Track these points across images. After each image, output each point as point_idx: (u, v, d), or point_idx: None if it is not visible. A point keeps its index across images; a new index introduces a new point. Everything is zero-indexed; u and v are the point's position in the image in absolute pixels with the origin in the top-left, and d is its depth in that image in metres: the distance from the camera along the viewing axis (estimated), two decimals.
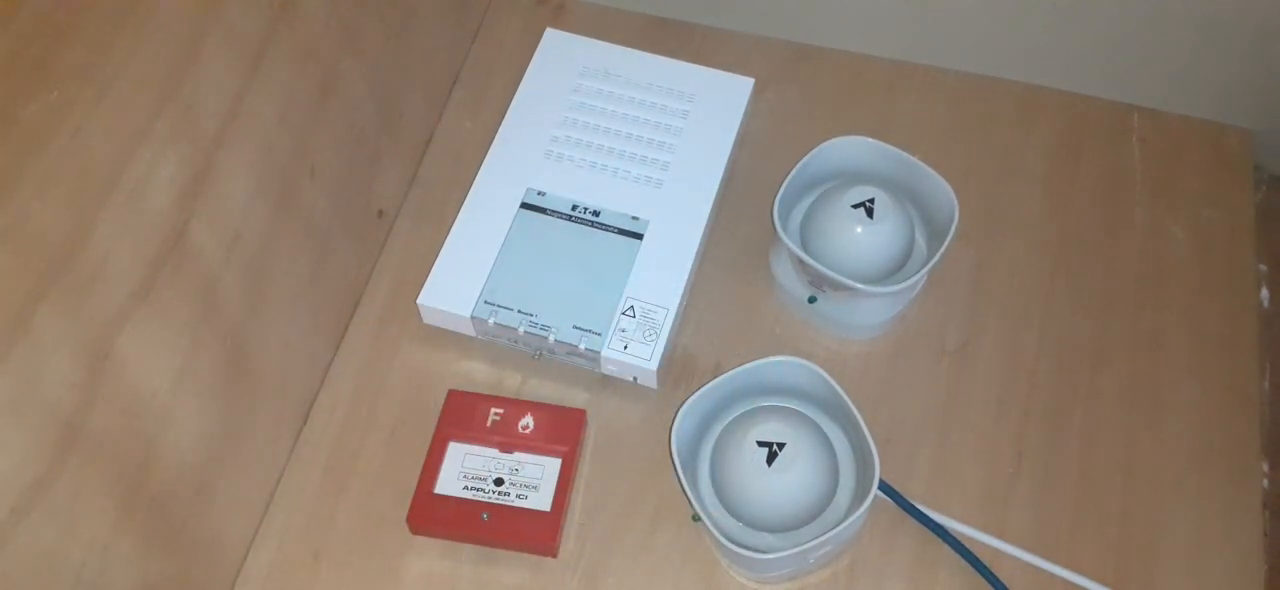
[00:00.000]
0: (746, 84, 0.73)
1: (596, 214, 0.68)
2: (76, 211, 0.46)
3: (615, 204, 0.68)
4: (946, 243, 0.63)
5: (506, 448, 0.62)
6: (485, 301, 0.65)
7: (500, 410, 0.63)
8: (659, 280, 0.65)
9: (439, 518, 0.60)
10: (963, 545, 0.59)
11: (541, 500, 0.61)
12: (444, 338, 0.68)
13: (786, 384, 0.61)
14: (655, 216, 0.68)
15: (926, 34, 0.76)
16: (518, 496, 0.61)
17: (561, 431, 0.62)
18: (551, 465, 0.62)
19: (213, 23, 0.54)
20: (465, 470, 0.62)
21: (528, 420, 0.63)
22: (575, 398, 0.66)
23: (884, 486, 0.60)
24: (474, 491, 0.61)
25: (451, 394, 0.64)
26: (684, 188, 0.69)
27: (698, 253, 0.67)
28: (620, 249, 0.67)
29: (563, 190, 0.69)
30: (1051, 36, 0.73)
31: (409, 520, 0.60)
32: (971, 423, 0.64)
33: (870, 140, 0.66)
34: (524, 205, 0.69)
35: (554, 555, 0.61)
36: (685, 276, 0.66)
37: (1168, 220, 0.70)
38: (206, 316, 0.55)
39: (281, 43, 0.59)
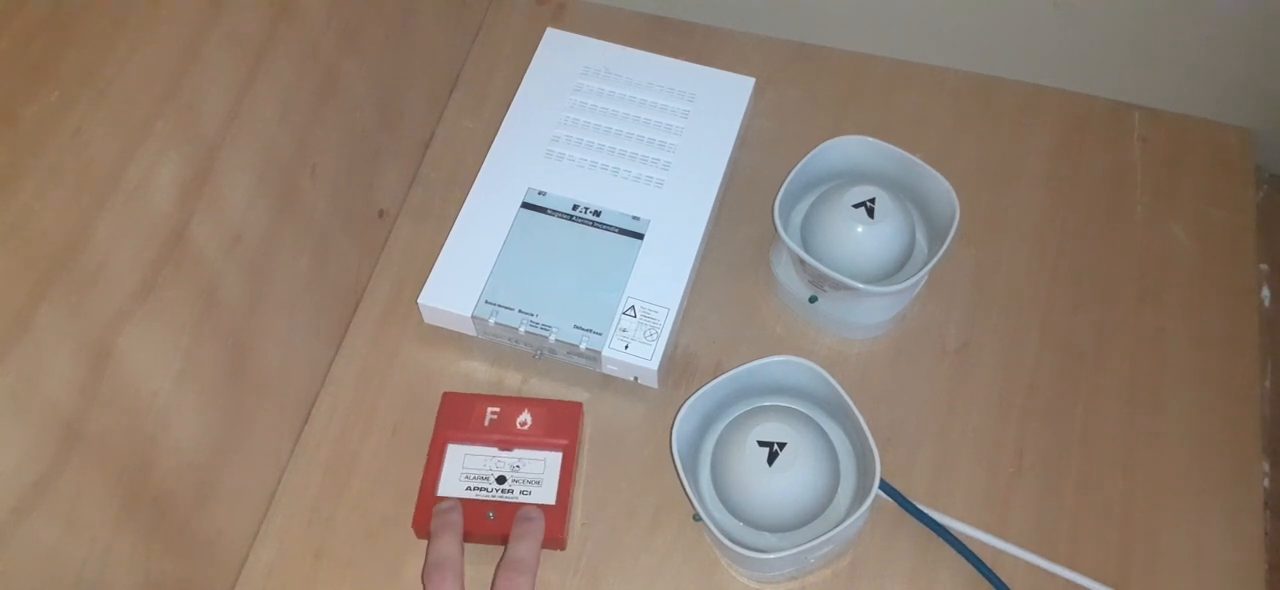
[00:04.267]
0: (747, 83, 0.73)
1: (597, 214, 0.68)
2: (77, 211, 0.46)
3: (616, 204, 0.68)
4: (947, 242, 0.63)
5: (506, 445, 0.62)
6: (486, 301, 0.65)
7: (496, 409, 0.63)
8: (660, 280, 0.65)
9: None
10: (964, 545, 0.59)
11: (546, 494, 0.61)
12: (445, 338, 0.68)
13: (787, 384, 0.61)
14: (656, 216, 0.68)
15: (927, 33, 0.76)
16: (522, 493, 0.61)
17: (560, 425, 0.63)
18: (552, 459, 0.62)
19: (213, 23, 0.54)
20: (466, 471, 0.62)
21: (525, 417, 0.63)
22: (576, 398, 0.65)
23: (885, 486, 0.60)
24: (477, 491, 0.61)
25: (446, 396, 0.64)
26: (685, 187, 0.69)
27: (698, 252, 0.67)
28: (621, 249, 0.67)
29: (563, 190, 0.69)
30: (1053, 36, 0.73)
31: (414, 525, 0.60)
32: (972, 422, 0.64)
33: (871, 140, 0.66)
34: (525, 205, 0.69)
35: (562, 547, 0.61)
36: (686, 276, 0.66)
37: (1169, 220, 0.70)
38: (207, 316, 0.55)
39: (282, 43, 0.58)
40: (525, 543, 0.57)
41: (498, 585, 0.55)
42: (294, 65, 0.60)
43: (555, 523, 0.60)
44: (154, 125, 0.50)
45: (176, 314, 0.53)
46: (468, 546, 0.61)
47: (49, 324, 0.45)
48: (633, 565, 0.61)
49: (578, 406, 0.64)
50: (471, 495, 0.61)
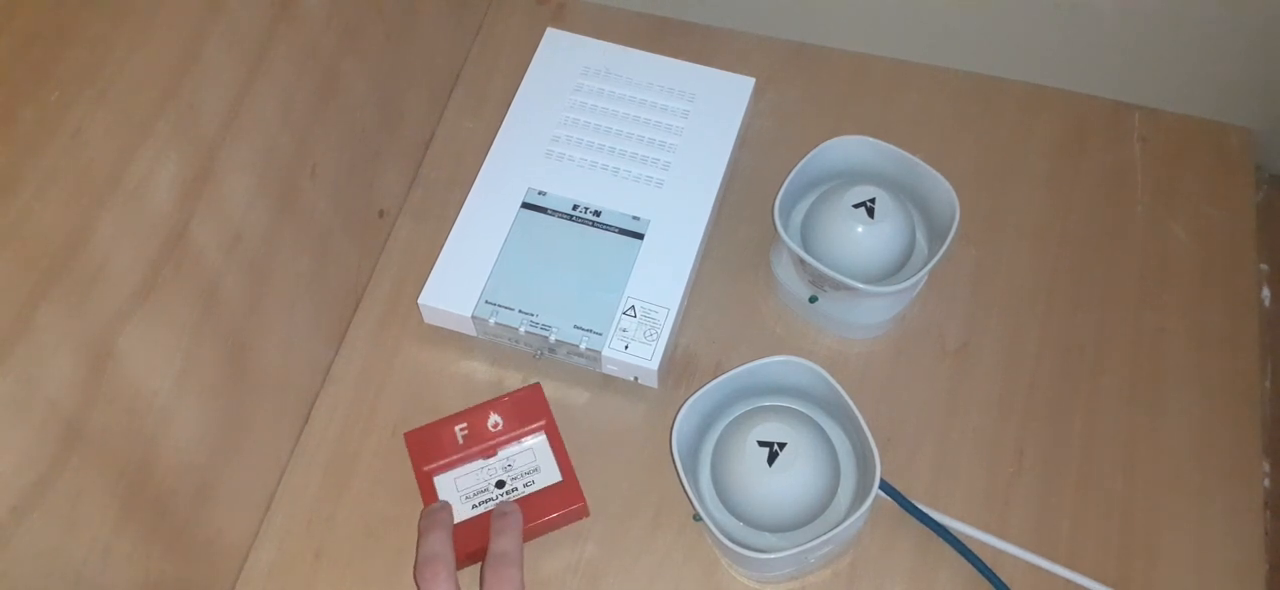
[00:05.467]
0: (747, 83, 0.73)
1: (597, 214, 0.68)
2: (77, 211, 0.46)
3: (616, 204, 0.68)
4: (947, 242, 0.63)
5: (489, 452, 0.62)
6: (486, 301, 0.65)
7: (464, 424, 0.63)
8: (660, 280, 0.65)
9: (469, 542, 0.59)
10: (964, 545, 0.59)
11: (550, 475, 0.61)
12: (445, 337, 0.68)
13: (787, 384, 0.61)
14: (656, 216, 0.68)
15: (927, 33, 0.76)
16: (527, 484, 0.61)
17: (529, 410, 0.63)
18: (539, 442, 0.62)
19: (213, 23, 0.54)
20: (463, 491, 0.62)
21: (495, 418, 0.63)
22: (577, 397, 0.66)
23: (885, 486, 0.60)
24: (484, 504, 0.61)
25: (408, 435, 0.63)
26: (685, 187, 0.69)
27: (698, 252, 0.67)
28: (621, 249, 0.67)
29: (563, 190, 0.69)
30: (1053, 36, 0.73)
31: None
32: (972, 422, 0.64)
33: (871, 140, 0.66)
34: (525, 205, 0.69)
35: (588, 514, 0.61)
36: (686, 276, 0.66)
37: (1169, 220, 0.70)
38: (207, 316, 0.55)
39: (282, 43, 0.58)
40: (506, 536, 0.57)
41: (488, 582, 0.55)
42: (294, 65, 0.60)
43: (571, 494, 0.60)
44: (154, 125, 0.50)
45: (176, 314, 0.53)
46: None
47: (49, 324, 0.45)
48: (633, 565, 0.61)
49: (537, 387, 0.64)
50: (480, 511, 0.61)
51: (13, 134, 0.44)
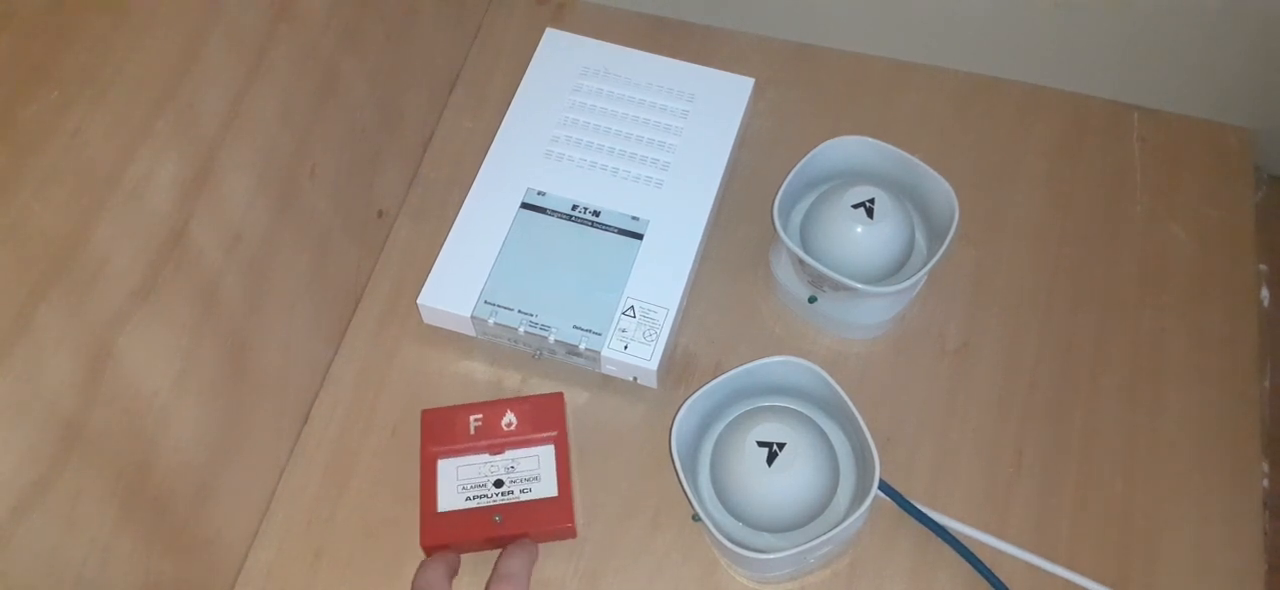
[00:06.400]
0: (747, 84, 0.73)
1: (597, 214, 0.68)
2: (77, 211, 0.46)
3: (615, 204, 0.68)
4: (947, 242, 0.63)
5: (496, 449, 0.62)
6: (485, 301, 0.65)
7: (479, 415, 0.63)
8: (659, 280, 0.65)
9: (452, 533, 0.60)
10: (963, 545, 0.59)
11: (547, 487, 0.61)
12: (444, 337, 0.68)
13: (787, 384, 0.61)
14: (655, 216, 0.68)
15: (927, 34, 0.76)
16: (522, 491, 0.61)
17: (545, 418, 0.63)
18: (546, 453, 0.62)
19: (213, 23, 0.54)
20: (462, 481, 0.62)
21: (510, 417, 0.63)
22: (576, 398, 0.66)
23: (884, 486, 0.60)
24: (477, 499, 0.61)
25: (425, 414, 0.63)
26: (684, 187, 0.69)
27: (698, 252, 0.67)
28: (620, 249, 0.67)
29: (563, 190, 0.69)
30: (1052, 36, 0.73)
31: (422, 543, 0.60)
32: (972, 423, 0.64)
33: (870, 140, 0.66)
34: (524, 205, 0.69)
35: (573, 536, 0.61)
36: (685, 276, 0.66)
37: (1168, 220, 0.70)
38: (207, 316, 0.55)
39: (281, 43, 0.59)
40: (516, 557, 0.57)
41: None
42: (294, 65, 0.60)
43: (562, 513, 0.60)
44: (154, 125, 0.50)
45: (176, 314, 0.53)
46: (465, 559, 0.61)
47: (49, 324, 0.45)
48: (632, 566, 0.61)
49: (559, 396, 0.64)
50: (473, 505, 0.61)
51: (13, 134, 0.44)
